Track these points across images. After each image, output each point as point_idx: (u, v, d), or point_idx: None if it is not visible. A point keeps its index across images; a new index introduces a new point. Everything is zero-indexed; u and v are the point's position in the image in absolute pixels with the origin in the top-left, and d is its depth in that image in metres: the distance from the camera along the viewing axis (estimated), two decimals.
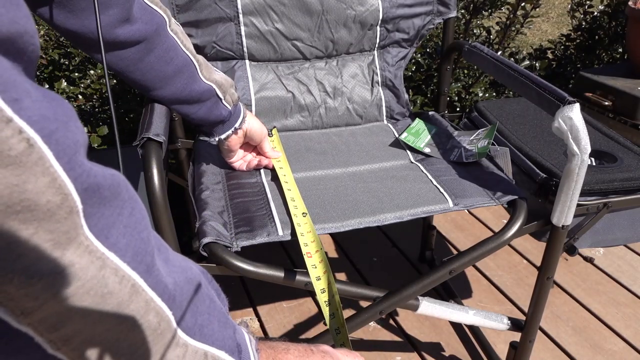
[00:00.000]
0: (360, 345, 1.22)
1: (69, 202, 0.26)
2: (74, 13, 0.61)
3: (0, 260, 0.24)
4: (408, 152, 1.01)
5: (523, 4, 1.79)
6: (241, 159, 0.92)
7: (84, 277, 0.27)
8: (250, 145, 0.91)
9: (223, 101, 0.80)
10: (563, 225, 0.83)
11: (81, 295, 0.28)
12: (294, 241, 0.74)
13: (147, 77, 0.71)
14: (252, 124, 0.86)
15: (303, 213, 0.77)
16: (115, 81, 1.48)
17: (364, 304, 0.92)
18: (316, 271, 0.70)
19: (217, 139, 0.85)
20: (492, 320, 0.96)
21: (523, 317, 0.98)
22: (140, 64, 0.70)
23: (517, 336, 0.99)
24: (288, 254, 1.51)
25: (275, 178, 0.89)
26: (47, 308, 0.27)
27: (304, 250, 0.72)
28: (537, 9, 1.83)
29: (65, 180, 0.25)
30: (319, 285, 0.70)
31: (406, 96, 1.14)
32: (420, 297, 0.87)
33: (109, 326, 0.30)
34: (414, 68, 1.87)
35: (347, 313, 1.30)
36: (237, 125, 0.84)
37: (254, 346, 0.44)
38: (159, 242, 0.35)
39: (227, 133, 0.83)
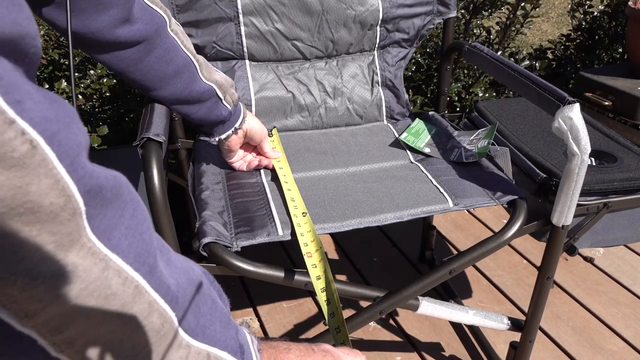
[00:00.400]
0: (360, 345, 1.22)
1: (72, 204, 0.26)
2: (74, 13, 0.61)
3: (4, 262, 0.24)
4: (408, 152, 1.01)
5: (523, 4, 1.79)
6: (241, 159, 0.92)
7: (87, 278, 0.27)
8: (251, 145, 0.91)
9: (223, 101, 0.80)
10: (563, 225, 0.83)
11: (85, 297, 0.27)
12: (294, 241, 0.74)
13: (147, 77, 0.71)
14: (252, 124, 0.86)
15: (303, 213, 0.78)
16: (115, 81, 1.48)
17: (364, 304, 0.91)
18: (316, 270, 0.70)
19: (217, 139, 0.85)
20: (492, 320, 0.96)
21: (523, 317, 0.98)
22: (141, 64, 0.70)
23: (517, 336, 0.99)
24: (288, 254, 1.52)
25: (275, 178, 0.89)
26: (50, 310, 0.26)
27: (304, 250, 0.72)
28: (537, 9, 1.83)
29: (69, 181, 0.25)
30: (319, 285, 0.70)
31: (406, 96, 1.14)
32: (420, 297, 0.87)
33: (113, 328, 0.30)
34: (414, 68, 1.87)
35: (347, 313, 1.30)
36: (237, 125, 0.84)
37: (256, 346, 0.44)
38: (161, 243, 0.35)
39: (227, 133, 0.83)
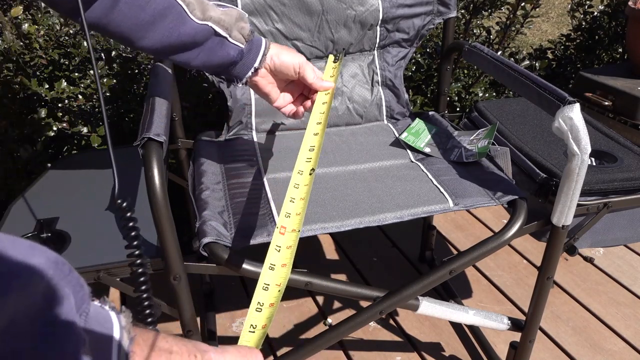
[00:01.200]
0: (360, 345, 1.22)
1: None
2: None
3: None
4: (408, 151, 1.01)
5: (523, 4, 1.79)
6: (290, 103, 0.81)
7: None
8: (299, 83, 0.79)
9: (230, 39, 0.71)
10: (563, 225, 0.83)
11: None
12: None
13: (123, 27, 0.66)
14: (279, 58, 0.75)
15: (312, 169, 0.65)
16: (115, 81, 1.48)
17: (364, 304, 0.91)
18: (278, 256, 0.56)
19: (239, 84, 0.76)
20: (492, 320, 0.96)
21: (523, 317, 0.98)
22: (112, 14, 0.64)
23: (517, 336, 0.99)
24: None
25: (275, 178, 0.89)
26: None
27: (280, 221, 0.59)
28: (537, 9, 1.83)
29: None
30: (266, 273, 0.55)
31: (406, 96, 1.14)
32: (420, 297, 0.87)
33: None
34: (414, 68, 1.87)
35: (347, 313, 1.30)
36: (256, 65, 0.74)
37: (127, 346, 0.33)
38: None
39: (247, 75, 0.74)
